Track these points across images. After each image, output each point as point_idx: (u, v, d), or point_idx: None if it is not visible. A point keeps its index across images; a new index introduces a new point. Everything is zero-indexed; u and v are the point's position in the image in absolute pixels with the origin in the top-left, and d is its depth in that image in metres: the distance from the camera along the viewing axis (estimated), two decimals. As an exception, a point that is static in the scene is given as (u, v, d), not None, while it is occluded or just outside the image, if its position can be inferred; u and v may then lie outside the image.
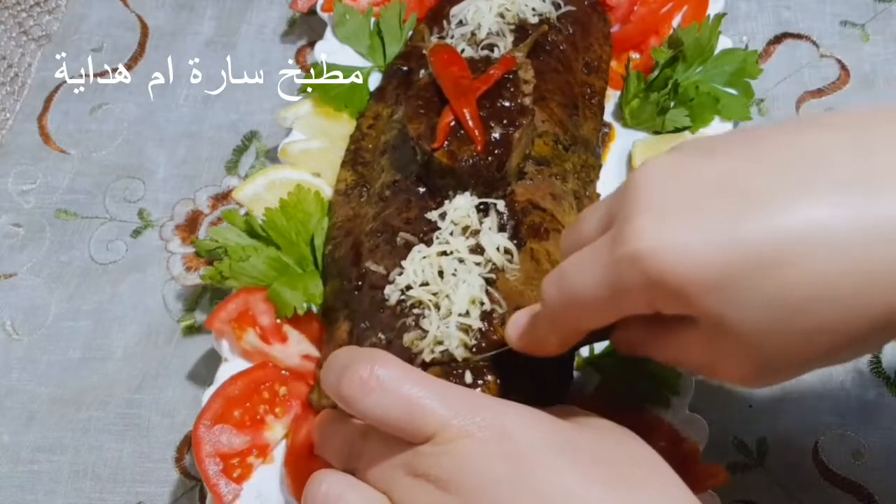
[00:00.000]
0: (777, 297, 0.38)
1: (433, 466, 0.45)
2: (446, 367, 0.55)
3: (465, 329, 0.56)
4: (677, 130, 0.74)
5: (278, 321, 0.65)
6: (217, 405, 0.62)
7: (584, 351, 0.64)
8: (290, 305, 0.65)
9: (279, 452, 0.63)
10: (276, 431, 0.63)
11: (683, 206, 0.40)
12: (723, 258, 0.38)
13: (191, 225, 0.80)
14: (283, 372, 0.65)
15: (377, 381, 0.46)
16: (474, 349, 0.56)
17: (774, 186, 0.38)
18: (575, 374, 0.63)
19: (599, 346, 0.64)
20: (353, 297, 0.63)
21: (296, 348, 0.66)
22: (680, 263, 0.39)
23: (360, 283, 0.63)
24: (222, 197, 0.82)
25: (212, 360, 0.70)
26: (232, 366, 0.65)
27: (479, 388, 0.55)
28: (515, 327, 0.51)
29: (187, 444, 0.69)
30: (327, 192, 0.72)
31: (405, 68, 0.77)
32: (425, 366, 0.56)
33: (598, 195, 0.73)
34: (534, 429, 0.46)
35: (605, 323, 0.45)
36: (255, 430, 0.62)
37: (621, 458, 0.47)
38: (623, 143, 0.76)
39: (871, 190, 0.37)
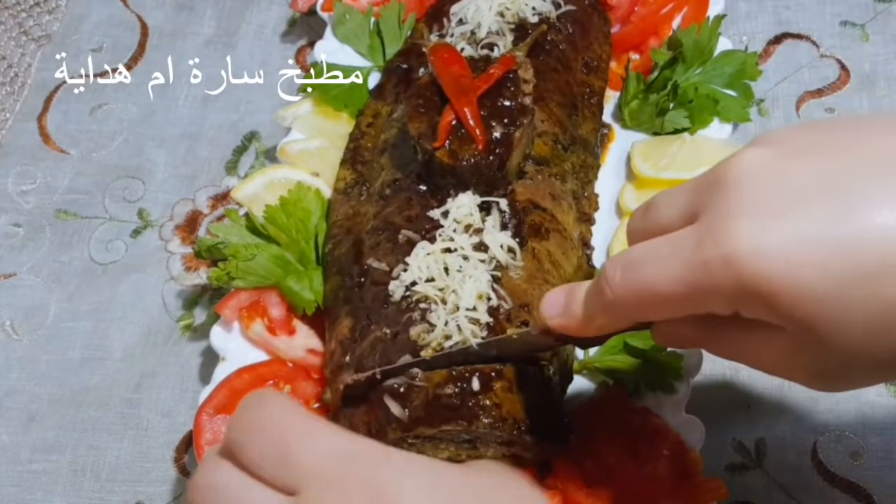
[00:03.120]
0: (883, 308, 0.36)
1: None
2: (454, 371, 0.55)
3: (473, 322, 0.56)
4: (676, 132, 0.74)
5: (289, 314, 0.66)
6: (222, 396, 0.63)
7: (580, 353, 0.64)
8: (307, 301, 0.66)
9: None
10: None
11: (783, 208, 0.37)
12: (826, 264, 0.36)
13: (190, 225, 0.80)
14: (289, 364, 0.65)
15: (259, 422, 0.44)
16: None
17: (880, 189, 0.36)
18: (575, 377, 0.63)
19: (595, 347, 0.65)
20: (354, 294, 0.63)
21: (302, 342, 0.66)
22: (779, 269, 0.37)
23: (361, 279, 0.63)
24: (222, 197, 0.82)
25: (210, 360, 0.70)
26: (230, 365, 0.65)
27: (486, 395, 0.55)
28: (553, 304, 0.48)
29: (186, 443, 0.69)
30: (326, 191, 0.72)
31: (404, 66, 0.77)
32: (431, 365, 0.56)
33: (597, 195, 0.73)
34: (404, 476, 0.44)
35: (668, 317, 0.43)
36: None
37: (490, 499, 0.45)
38: (622, 144, 0.76)
39: None
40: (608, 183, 0.74)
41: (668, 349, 0.61)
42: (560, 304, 0.48)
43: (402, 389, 0.55)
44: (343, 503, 0.42)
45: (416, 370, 0.56)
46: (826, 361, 0.39)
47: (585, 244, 0.69)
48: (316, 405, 0.64)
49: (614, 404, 0.61)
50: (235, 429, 0.45)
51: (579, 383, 0.64)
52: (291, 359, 0.65)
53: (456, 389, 0.55)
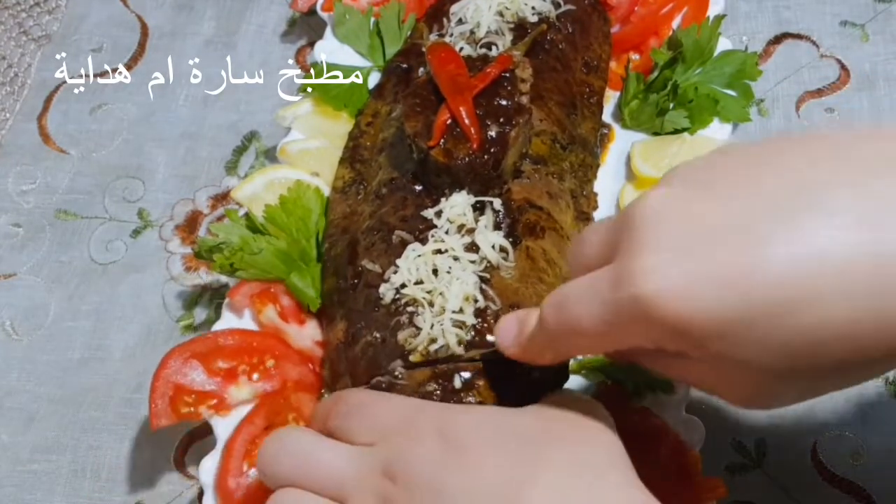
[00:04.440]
0: (788, 342, 0.37)
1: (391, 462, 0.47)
2: (437, 369, 0.56)
3: (460, 325, 0.56)
4: (676, 132, 0.74)
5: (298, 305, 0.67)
6: (203, 344, 0.63)
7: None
8: (311, 297, 0.66)
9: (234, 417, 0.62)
10: (242, 392, 0.63)
11: (686, 247, 0.39)
12: (728, 303, 0.37)
13: (190, 225, 0.80)
14: (283, 344, 0.65)
15: (339, 396, 0.52)
16: (468, 346, 0.56)
17: (778, 227, 0.37)
18: (572, 377, 0.63)
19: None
20: (348, 296, 0.63)
21: (311, 332, 0.66)
22: (684, 308, 0.38)
23: (355, 281, 0.63)
24: (222, 197, 0.82)
25: (211, 361, 0.70)
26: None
27: (470, 393, 0.55)
28: (506, 334, 0.51)
29: (186, 443, 0.69)
30: (326, 191, 0.72)
31: (404, 66, 0.77)
32: (416, 365, 0.56)
33: (596, 194, 0.73)
34: (467, 417, 0.48)
35: (602, 352, 0.46)
36: (224, 382, 0.63)
37: (553, 435, 0.47)
38: (622, 145, 0.76)
39: (875, 221, 0.36)
40: (608, 183, 0.74)
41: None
42: (513, 336, 0.50)
43: (383, 387, 0.55)
44: (413, 444, 0.47)
45: (400, 369, 0.56)
46: (751, 386, 0.41)
47: (584, 243, 0.69)
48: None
49: (614, 404, 0.61)
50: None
51: (579, 383, 0.64)
52: (300, 348, 0.65)
53: (438, 388, 0.55)
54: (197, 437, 0.69)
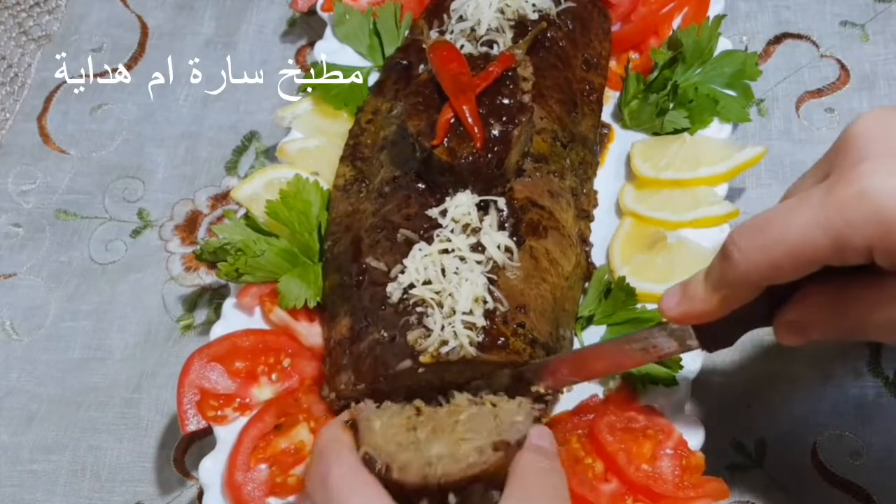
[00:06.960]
0: None
1: None
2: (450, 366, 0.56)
3: (470, 327, 0.57)
4: (676, 132, 0.74)
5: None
6: (221, 347, 0.64)
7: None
8: (292, 298, 0.65)
9: None
10: (264, 392, 0.63)
11: None
12: None
13: (190, 225, 0.80)
14: (296, 341, 0.66)
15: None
16: (479, 347, 0.56)
17: None
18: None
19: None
20: (353, 293, 0.63)
21: (321, 330, 0.67)
22: None
23: (360, 278, 0.63)
24: (222, 197, 0.82)
25: (211, 361, 0.70)
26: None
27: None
28: (671, 296, 0.51)
29: (186, 443, 0.69)
30: (326, 188, 0.72)
31: (404, 62, 0.77)
32: (426, 365, 0.56)
33: (596, 192, 0.73)
34: None
35: (794, 277, 0.45)
36: (246, 383, 0.63)
37: None
38: (622, 145, 0.76)
39: None
40: (608, 183, 0.74)
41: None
42: (678, 294, 0.51)
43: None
44: None
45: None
46: None
47: (584, 241, 0.69)
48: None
49: (620, 403, 0.61)
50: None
51: (587, 384, 0.63)
52: (309, 345, 0.66)
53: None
54: (197, 438, 0.68)
